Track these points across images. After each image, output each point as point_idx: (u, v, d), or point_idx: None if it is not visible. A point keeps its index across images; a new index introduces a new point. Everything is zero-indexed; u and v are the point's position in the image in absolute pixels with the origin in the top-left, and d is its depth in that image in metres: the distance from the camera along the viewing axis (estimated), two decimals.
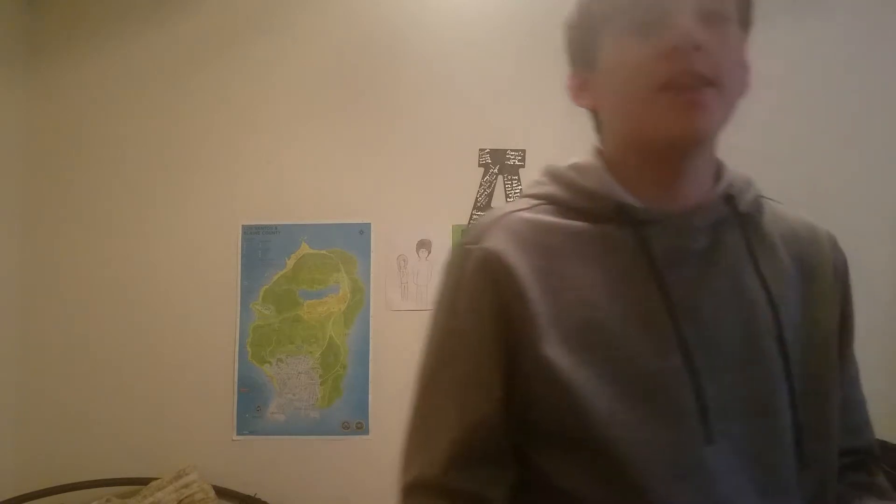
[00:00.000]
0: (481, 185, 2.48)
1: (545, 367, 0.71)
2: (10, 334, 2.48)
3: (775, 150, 2.35)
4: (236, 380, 2.46)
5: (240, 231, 2.51)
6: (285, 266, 2.50)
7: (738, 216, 0.78)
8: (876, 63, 2.39)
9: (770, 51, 2.40)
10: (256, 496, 2.36)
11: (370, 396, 2.43)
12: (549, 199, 0.81)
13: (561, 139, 2.48)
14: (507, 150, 2.50)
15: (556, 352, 0.71)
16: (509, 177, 2.48)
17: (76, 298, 2.51)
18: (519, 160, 2.49)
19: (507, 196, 2.48)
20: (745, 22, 0.76)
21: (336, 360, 2.46)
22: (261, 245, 2.51)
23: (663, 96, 0.70)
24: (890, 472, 1.94)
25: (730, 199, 0.78)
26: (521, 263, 0.75)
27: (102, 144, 2.57)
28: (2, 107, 2.51)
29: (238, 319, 2.48)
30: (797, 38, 2.40)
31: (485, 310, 0.75)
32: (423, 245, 2.49)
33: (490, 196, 2.48)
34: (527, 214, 0.79)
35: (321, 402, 2.44)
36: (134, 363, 2.47)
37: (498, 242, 0.76)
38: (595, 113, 0.84)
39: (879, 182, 2.33)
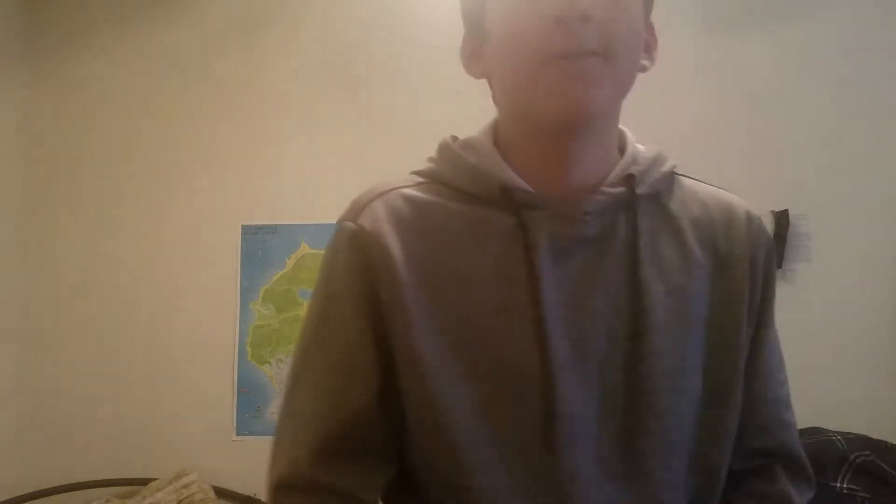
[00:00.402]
0: None
1: (413, 361, 0.67)
2: (10, 334, 2.48)
3: (778, 148, 2.35)
4: (236, 380, 2.46)
5: (240, 231, 2.51)
6: (285, 266, 2.50)
7: (635, 199, 0.70)
8: (877, 61, 2.38)
9: (771, 50, 2.40)
10: (256, 496, 2.36)
11: None
12: (434, 178, 0.75)
13: None
14: None
15: (425, 345, 0.67)
16: None
17: (76, 298, 2.51)
18: None
19: None
20: None
21: None
22: (261, 245, 2.50)
23: (546, 69, 0.63)
24: (890, 472, 1.93)
25: (630, 179, 0.70)
26: (396, 246, 0.69)
27: (102, 144, 2.57)
28: (2, 106, 2.51)
29: (238, 319, 2.48)
30: (798, 37, 2.40)
31: (356, 293, 0.69)
32: None
33: None
34: (410, 192, 0.73)
35: None
36: (134, 363, 2.47)
37: (374, 221, 0.70)
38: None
39: (881, 181, 2.32)
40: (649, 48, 0.72)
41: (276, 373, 2.46)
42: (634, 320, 0.68)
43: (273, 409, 2.44)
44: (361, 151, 2.52)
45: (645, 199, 0.71)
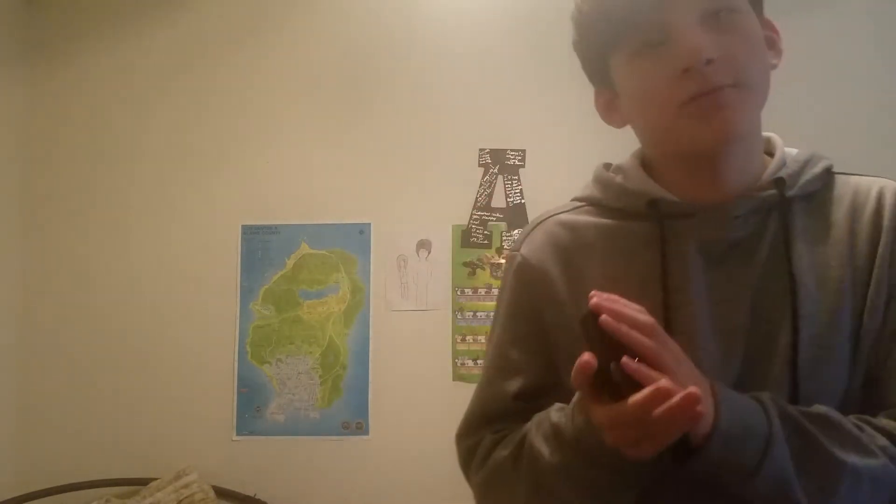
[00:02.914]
0: (481, 185, 2.48)
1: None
2: (11, 334, 2.48)
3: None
4: (236, 380, 2.46)
5: (240, 231, 2.51)
6: (285, 266, 2.50)
7: (786, 200, 0.73)
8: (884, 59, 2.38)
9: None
10: (256, 496, 2.36)
11: (370, 396, 2.43)
12: (589, 201, 0.84)
13: (561, 139, 2.48)
14: (507, 150, 2.49)
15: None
16: (509, 177, 2.48)
17: (76, 298, 2.51)
18: (519, 160, 2.48)
19: (507, 196, 2.47)
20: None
21: (336, 361, 2.46)
22: (261, 245, 2.50)
23: (684, 110, 0.69)
24: None
25: (779, 182, 0.74)
26: (554, 269, 0.79)
27: (102, 145, 2.57)
28: (1, 105, 2.50)
29: (238, 319, 2.48)
30: (806, 34, 2.40)
31: (525, 315, 0.81)
32: (423, 245, 2.49)
33: (490, 196, 2.48)
34: (564, 217, 0.84)
35: (321, 402, 2.44)
36: (134, 363, 2.47)
37: (534, 249, 0.82)
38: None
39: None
40: (773, 43, 0.76)
41: (276, 373, 2.46)
42: (787, 314, 0.70)
43: (273, 409, 2.44)
44: (362, 152, 2.52)
45: (799, 200, 0.74)
